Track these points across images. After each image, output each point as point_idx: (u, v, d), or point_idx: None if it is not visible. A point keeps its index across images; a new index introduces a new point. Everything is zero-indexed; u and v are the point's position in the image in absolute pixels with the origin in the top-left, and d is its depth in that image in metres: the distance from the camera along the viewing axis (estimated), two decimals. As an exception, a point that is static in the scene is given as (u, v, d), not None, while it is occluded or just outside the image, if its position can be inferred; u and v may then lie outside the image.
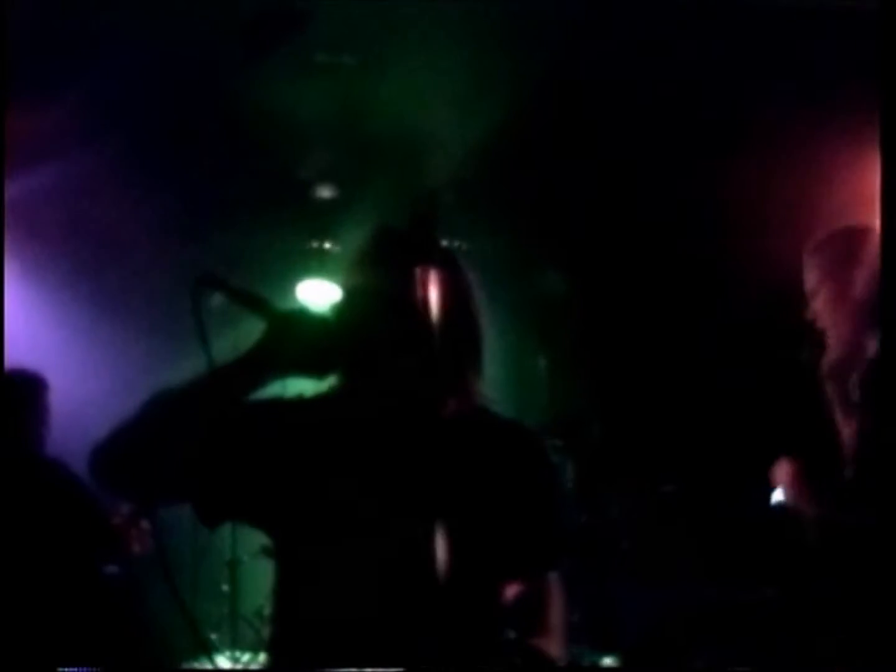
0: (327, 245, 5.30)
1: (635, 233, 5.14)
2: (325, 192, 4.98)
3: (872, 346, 2.49)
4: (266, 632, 4.34)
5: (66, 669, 2.60)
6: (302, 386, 1.82)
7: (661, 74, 4.33)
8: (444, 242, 1.92)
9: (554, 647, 1.92)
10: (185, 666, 4.12)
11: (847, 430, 2.61)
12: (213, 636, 4.90)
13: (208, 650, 4.33)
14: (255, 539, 4.54)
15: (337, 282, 1.90)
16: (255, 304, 1.72)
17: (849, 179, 4.62)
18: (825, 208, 4.57)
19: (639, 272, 5.28)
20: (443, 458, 1.83)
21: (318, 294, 5.18)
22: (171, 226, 4.65)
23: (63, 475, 3.45)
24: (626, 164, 4.76)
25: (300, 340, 1.71)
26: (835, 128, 4.36)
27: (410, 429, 1.77)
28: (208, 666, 4.23)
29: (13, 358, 3.53)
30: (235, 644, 4.88)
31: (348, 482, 1.79)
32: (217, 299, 1.75)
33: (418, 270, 1.66)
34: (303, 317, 1.74)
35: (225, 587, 5.06)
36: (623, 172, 4.82)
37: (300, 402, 1.89)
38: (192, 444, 1.70)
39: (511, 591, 1.96)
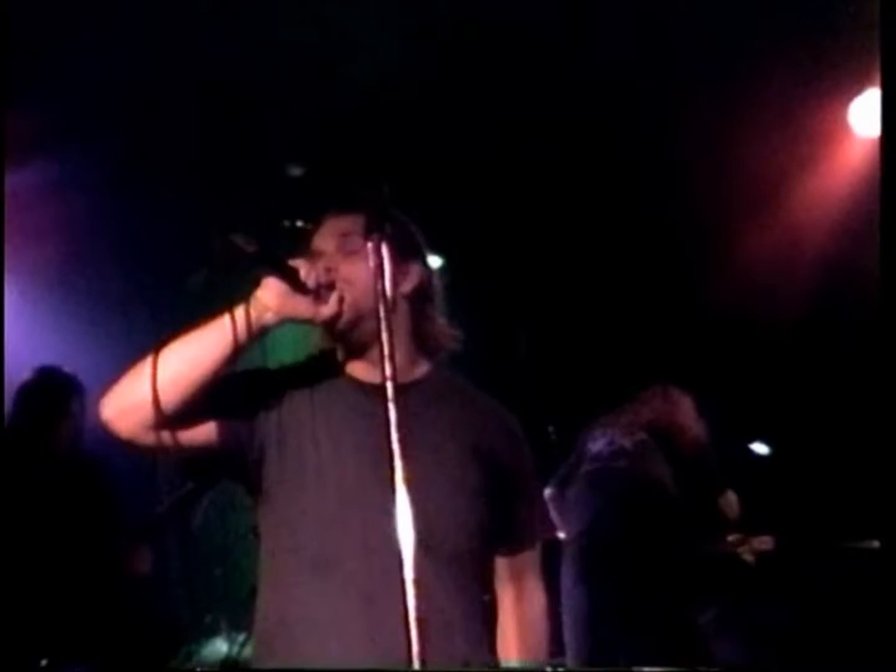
0: (298, 223, 5.28)
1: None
2: (294, 170, 4.95)
3: None
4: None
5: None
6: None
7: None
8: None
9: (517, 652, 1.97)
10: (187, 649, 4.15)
11: None
12: (209, 618, 4.95)
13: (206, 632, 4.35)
14: (245, 521, 4.58)
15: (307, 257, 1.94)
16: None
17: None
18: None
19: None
20: (424, 423, 1.85)
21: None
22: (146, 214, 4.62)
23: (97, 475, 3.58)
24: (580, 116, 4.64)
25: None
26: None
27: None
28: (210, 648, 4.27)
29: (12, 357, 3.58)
30: (231, 625, 4.93)
31: (330, 448, 1.84)
32: (199, 278, 1.76)
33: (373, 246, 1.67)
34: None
35: (218, 571, 5.12)
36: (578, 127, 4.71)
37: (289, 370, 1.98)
38: (195, 393, 1.76)
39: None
